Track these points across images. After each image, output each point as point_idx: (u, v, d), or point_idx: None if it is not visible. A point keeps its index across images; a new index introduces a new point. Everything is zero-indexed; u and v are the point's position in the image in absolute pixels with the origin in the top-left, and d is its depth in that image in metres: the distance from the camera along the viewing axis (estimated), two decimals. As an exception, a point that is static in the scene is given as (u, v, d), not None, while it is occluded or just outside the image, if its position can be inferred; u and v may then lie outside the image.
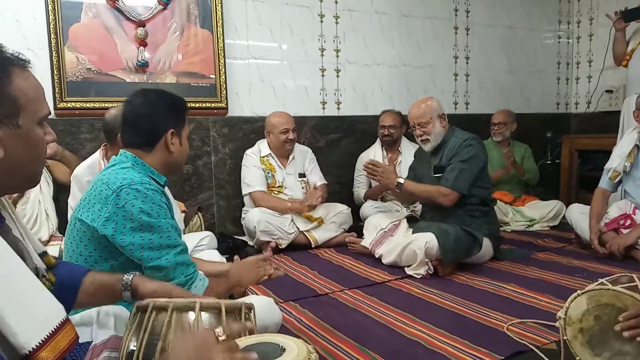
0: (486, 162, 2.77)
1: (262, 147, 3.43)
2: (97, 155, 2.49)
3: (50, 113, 0.91)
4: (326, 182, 3.56)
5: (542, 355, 1.57)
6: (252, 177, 3.35)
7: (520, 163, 3.95)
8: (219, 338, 0.89)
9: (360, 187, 3.82)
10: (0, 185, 0.83)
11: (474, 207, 2.72)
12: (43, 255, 1.00)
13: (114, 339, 1.20)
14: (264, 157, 3.39)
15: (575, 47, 5.01)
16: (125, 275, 1.18)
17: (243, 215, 3.38)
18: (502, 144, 4.01)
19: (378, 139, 3.78)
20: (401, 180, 2.71)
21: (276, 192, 3.37)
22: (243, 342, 1.07)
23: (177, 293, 1.18)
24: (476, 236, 2.61)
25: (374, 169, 2.78)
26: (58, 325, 0.80)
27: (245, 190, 3.37)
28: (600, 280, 1.35)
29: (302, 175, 3.48)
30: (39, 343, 0.75)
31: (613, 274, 1.41)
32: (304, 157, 3.54)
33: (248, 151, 3.43)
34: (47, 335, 0.77)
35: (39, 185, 2.58)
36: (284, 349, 1.08)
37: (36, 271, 0.92)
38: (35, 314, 0.77)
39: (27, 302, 0.77)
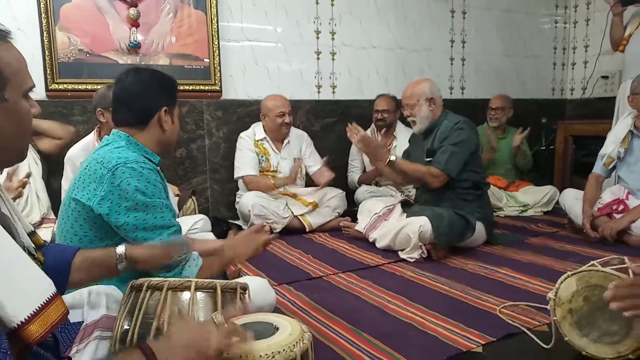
0: (478, 146, 2.77)
1: (257, 130, 3.40)
2: (91, 136, 2.47)
3: (34, 85, 0.89)
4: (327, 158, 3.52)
5: (534, 337, 1.58)
6: (244, 161, 3.33)
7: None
8: (217, 322, 0.89)
9: (354, 171, 3.82)
10: None
11: (467, 191, 2.72)
12: (31, 234, 0.99)
13: (105, 319, 1.20)
14: (258, 140, 3.37)
15: (572, 31, 4.98)
16: (117, 248, 1.18)
17: (237, 199, 3.38)
18: (498, 130, 4.00)
19: (373, 123, 3.76)
20: (392, 158, 2.68)
21: (271, 177, 3.35)
22: (238, 321, 1.07)
23: (167, 251, 1.22)
24: (469, 220, 2.62)
25: (368, 140, 2.71)
26: (47, 299, 0.80)
27: (236, 174, 3.35)
28: (591, 262, 1.36)
29: (298, 159, 3.46)
30: (28, 316, 0.75)
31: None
32: (300, 141, 3.52)
33: (242, 134, 3.41)
34: (36, 309, 0.77)
35: (27, 165, 2.56)
36: (277, 327, 1.09)
37: (25, 250, 0.91)
38: (24, 288, 0.77)
39: (16, 276, 0.77)
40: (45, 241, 1.09)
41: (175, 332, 0.91)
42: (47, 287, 0.82)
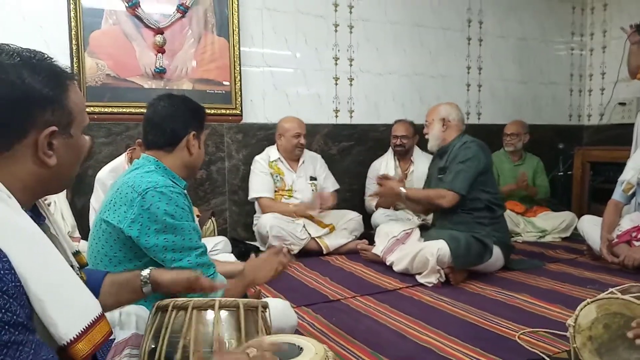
0: (488, 165, 2.80)
1: (270, 152, 3.47)
2: (122, 158, 2.56)
3: (89, 122, 0.96)
4: (338, 187, 3.58)
5: (554, 364, 1.58)
6: (258, 184, 3.38)
7: (532, 177, 3.95)
8: (250, 355, 0.91)
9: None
10: (44, 189, 0.88)
11: (481, 213, 2.73)
12: (76, 254, 1.03)
13: (135, 337, 1.24)
14: (272, 161, 3.43)
15: (589, 59, 5.01)
16: (143, 271, 1.20)
17: (255, 221, 3.42)
18: (514, 155, 4.01)
19: (390, 148, 3.80)
20: (403, 190, 2.76)
21: (287, 197, 3.40)
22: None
23: (193, 278, 1.20)
24: (486, 243, 2.62)
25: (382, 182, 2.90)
26: (94, 319, 0.82)
27: (251, 196, 3.40)
28: (611, 290, 1.36)
29: (313, 178, 3.51)
30: (77, 335, 0.78)
31: (625, 285, 1.42)
32: (314, 162, 3.58)
33: (257, 157, 3.47)
34: (84, 328, 0.79)
35: None
36: (302, 348, 1.11)
37: (73, 269, 0.96)
38: (74, 307, 0.80)
39: (68, 295, 0.80)
40: (87, 262, 1.13)
41: None
42: (93, 306, 0.85)
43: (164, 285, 1.19)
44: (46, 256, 0.79)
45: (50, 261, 0.79)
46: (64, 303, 0.78)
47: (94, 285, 1.15)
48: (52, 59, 0.87)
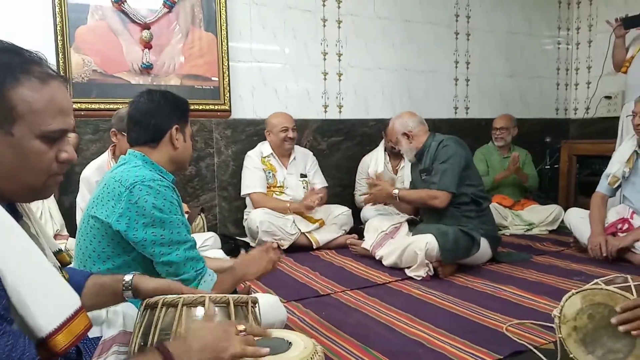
0: (469, 159, 2.83)
1: (263, 148, 3.47)
2: (106, 156, 2.53)
3: (68, 130, 0.89)
4: (327, 185, 3.60)
5: (540, 355, 1.61)
6: (251, 179, 3.39)
7: (521, 168, 3.99)
8: (240, 331, 0.92)
9: (361, 190, 3.86)
10: (2, 189, 0.84)
11: (467, 206, 2.76)
12: (57, 253, 1.03)
13: (122, 334, 1.23)
14: (265, 157, 3.43)
15: (575, 53, 5.06)
16: (126, 276, 1.19)
17: (245, 217, 3.42)
18: (503, 149, 4.04)
19: (382, 143, 3.81)
20: (396, 192, 2.80)
21: (277, 193, 3.41)
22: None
23: (176, 289, 1.18)
24: (474, 236, 2.65)
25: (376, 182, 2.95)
26: (74, 312, 0.83)
27: (244, 192, 3.41)
28: (595, 281, 1.38)
29: (303, 175, 3.52)
30: (56, 327, 0.78)
31: (610, 276, 1.45)
32: (305, 159, 3.58)
33: (249, 152, 3.48)
34: (63, 321, 0.80)
35: None
36: (290, 342, 1.12)
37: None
38: (53, 300, 0.81)
39: (47, 288, 0.80)
40: (70, 260, 1.12)
41: (194, 332, 0.94)
42: (74, 300, 0.86)
43: (145, 294, 1.16)
44: (22, 249, 0.79)
45: (26, 254, 0.80)
46: (43, 295, 0.79)
47: (76, 285, 1.14)
48: (16, 51, 0.84)
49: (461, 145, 2.79)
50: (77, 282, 1.15)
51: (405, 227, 2.94)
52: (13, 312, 0.76)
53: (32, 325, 0.77)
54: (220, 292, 1.48)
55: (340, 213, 3.41)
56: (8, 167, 0.83)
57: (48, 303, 0.79)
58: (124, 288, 1.17)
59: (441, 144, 2.77)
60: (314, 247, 3.25)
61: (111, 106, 3.18)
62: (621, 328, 1.18)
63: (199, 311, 1.18)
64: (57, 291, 0.83)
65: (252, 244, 3.27)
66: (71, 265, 1.38)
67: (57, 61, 3.05)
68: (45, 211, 2.78)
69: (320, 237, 3.28)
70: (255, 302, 1.25)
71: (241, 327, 0.94)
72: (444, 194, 2.69)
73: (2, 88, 0.81)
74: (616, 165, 3.00)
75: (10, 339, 0.72)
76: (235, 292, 1.90)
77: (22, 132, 0.82)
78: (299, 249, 3.20)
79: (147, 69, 3.30)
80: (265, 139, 3.51)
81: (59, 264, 1.02)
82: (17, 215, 0.89)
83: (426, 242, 2.52)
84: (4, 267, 0.74)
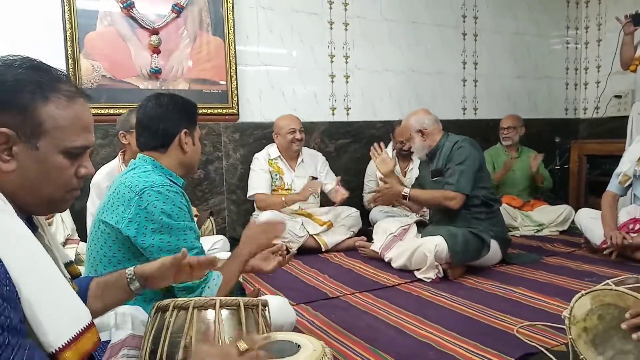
0: (482, 161, 2.81)
1: (271, 150, 3.48)
2: (116, 161, 2.55)
3: (89, 146, 0.92)
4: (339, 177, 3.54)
5: (552, 357, 1.60)
6: (257, 180, 3.40)
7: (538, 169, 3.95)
8: (241, 349, 0.92)
9: (370, 193, 3.85)
10: (22, 201, 0.86)
11: (478, 208, 2.74)
12: (68, 264, 1.04)
13: (131, 338, 1.24)
14: (272, 159, 3.44)
15: (584, 52, 5.02)
16: (127, 269, 1.16)
17: (253, 219, 3.42)
18: (511, 149, 4.02)
19: (390, 145, 3.81)
20: (406, 191, 2.77)
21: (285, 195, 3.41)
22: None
23: (179, 255, 1.14)
24: (484, 238, 2.64)
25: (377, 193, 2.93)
26: (83, 328, 0.83)
27: (249, 193, 3.42)
28: (606, 281, 1.37)
29: (314, 178, 3.51)
30: (65, 343, 0.78)
31: (622, 278, 1.43)
32: (314, 160, 3.58)
33: (257, 155, 3.49)
34: (73, 337, 0.80)
35: None
36: (299, 345, 1.12)
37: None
38: (64, 315, 0.80)
39: (58, 302, 0.80)
40: (80, 272, 1.12)
41: (197, 354, 0.94)
42: (84, 315, 0.85)
43: (152, 275, 1.14)
44: (38, 262, 0.80)
45: (41, 267, 0.80)
46: (54, 309, 0.79)
47: (81, 292, 1.15)
48: (45, 69, 0.87)
49: (475, 147, 2.78)
50: (81, 289, 1.15)
51: (414, 228, 2.93)
52: (26, 325, 0.75)
53: (42, 340, 0.77)
54: (230, 278, 1.49)
55: (348, 214, 3.41)
56: (31, 181, 0.85)
57: (59, 318, 0.79)
58: (128, 280, 1.14)
59: (456, 145, 2.75)
60: (323, 250, 3.25)
61: (120, 111, 3.18)
62: (634, 336, 1.18)
63: (210, 314, 1.19)
64: (68, 305, 0.83)
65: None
66: (82, 270, 1.40)
67: (67, 67, 3.08)
68: (57, 216, 2.80)
69: (329, 239, 3.28)
70: (265, 304, 1.25)
71: (243, 346, 0.93)
72: (459, 196, 2.67)
73: (32, 104, 0.83)
74: (627, 164, 2.97)
75: (26, 350, 0.71)
76: (244, 294, 1.91)
77: (47, 147, 0.85)
78: (308, 252, 3.20)
79: (155, 73, 3.32)
80: (274, 142, 3.52)
81: (69, 277, 1.02)
82: (33, 228, 0.90)
83: (436, 244, 2.51)
84: (21, 280, 0.74)
